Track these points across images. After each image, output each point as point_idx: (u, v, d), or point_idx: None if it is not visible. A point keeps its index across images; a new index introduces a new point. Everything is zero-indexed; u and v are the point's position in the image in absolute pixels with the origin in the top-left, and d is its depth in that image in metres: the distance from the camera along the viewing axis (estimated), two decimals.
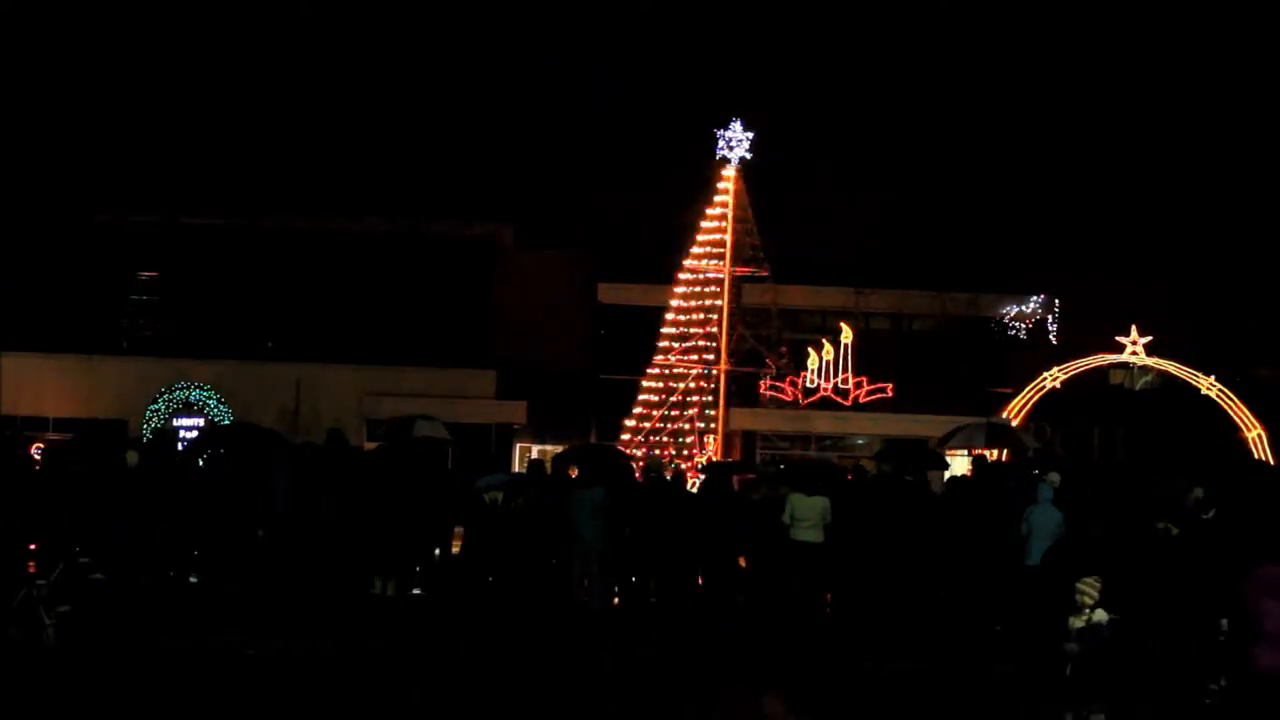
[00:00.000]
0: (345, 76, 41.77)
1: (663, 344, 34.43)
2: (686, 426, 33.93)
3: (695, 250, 34.74)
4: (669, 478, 19.41)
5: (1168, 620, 12.16)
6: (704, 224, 34.71)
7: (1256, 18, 42.05)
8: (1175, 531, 13.17)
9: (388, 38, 43.76)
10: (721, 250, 34.42)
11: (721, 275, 34.30)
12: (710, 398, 34.12)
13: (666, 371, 34.25)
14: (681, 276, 34.77)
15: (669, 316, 34.51)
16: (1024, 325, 38.70)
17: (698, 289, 34.55)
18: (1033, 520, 15.64)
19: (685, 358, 34.14)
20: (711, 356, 34.16)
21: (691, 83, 41.74)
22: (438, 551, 18.31)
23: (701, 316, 34.33)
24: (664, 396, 34.09)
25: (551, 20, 44.86)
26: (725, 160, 34.26)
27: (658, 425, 33.83)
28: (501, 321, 38.67)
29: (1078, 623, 11.85)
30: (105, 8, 40.60)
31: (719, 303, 34.23)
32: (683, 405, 34.08)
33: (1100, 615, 11.77)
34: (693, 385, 34.10)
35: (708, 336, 34.29)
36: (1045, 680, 12.39)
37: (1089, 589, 11.93)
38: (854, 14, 44.53)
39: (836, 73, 42.92)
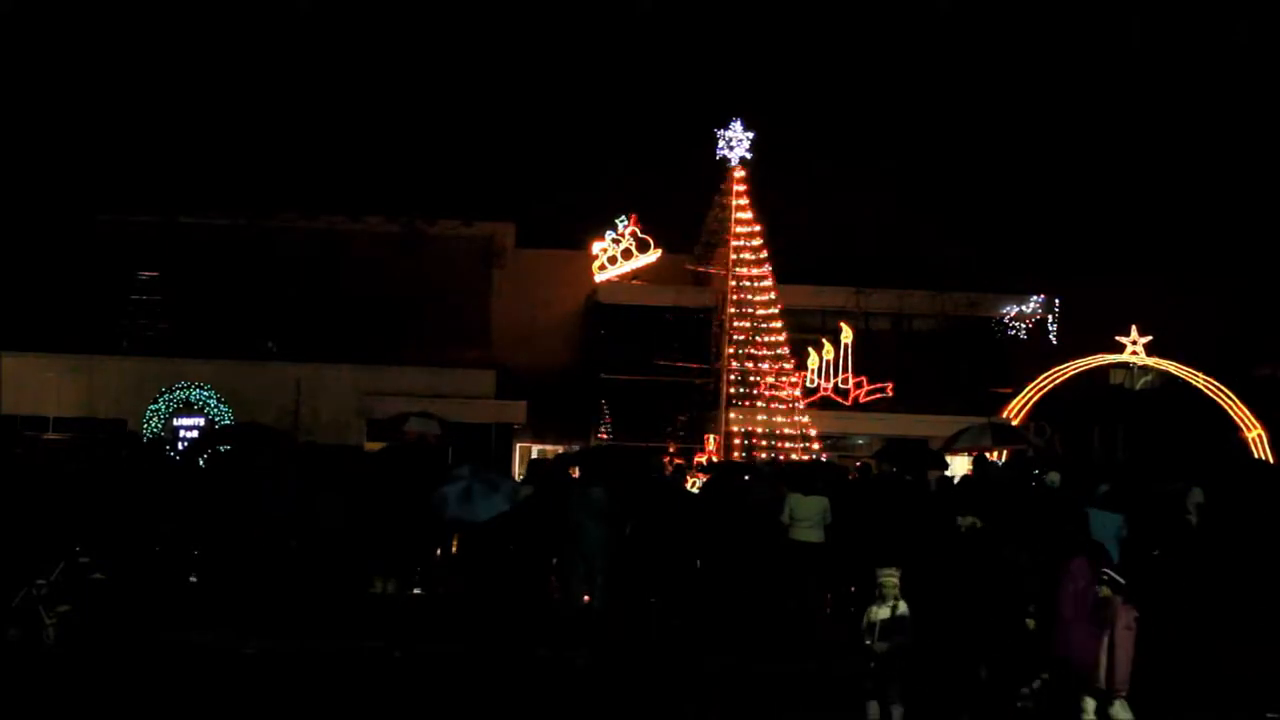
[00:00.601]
0: (345, 76, 41.80)
1: (663, 344, 34.44)
2: (687, 426, 33.96)
3: (696, 250, 34.77)
4: (668, 477, 19.41)
5: (960, 610, 12.19)
6: (705, 224, 34.75)
7: (1256, 18, 42.07)
8: (979, 525, 13.20)
9: (388, 37, 43.81)
10: (722, 250, 34.45)
11: (721, 275, 34.32)
12: (710, 398, 34.14)
13: (666, 372, 34.26)
14: (681, 277, 34.81)
15: (669, 316, 34.52)
16: (1024, 325, 38.71)
17: (699, 289, 34.57)
18: (1092, 524, 15.58)
19: (685, 358, 34.17)
20: (712, 356, 34.19)
21: (691, 83, 41.78)
22: (438, 551, 18.29)
23: (703, 317, 34.36)
24: (664, 396, 34.10)
25: (552, 20, 44.90)
26: (725, 160, 34.29)
27: (658, 425, 33.86)
28: (501, 321, 38.68)
29: (882, 613, 11.84)
30: (105, 8, 40.63)
31: (719, 303, 34.27)
32: (683, 405, 34.11)
33: (903, 607, 11.83)
34: (693, 385, 34.13)
35: (708, 337, 34.33)
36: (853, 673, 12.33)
37: (891, 579, 11.93)
38: (854, 14, 44.56)
39: (836, 73, 42.96)
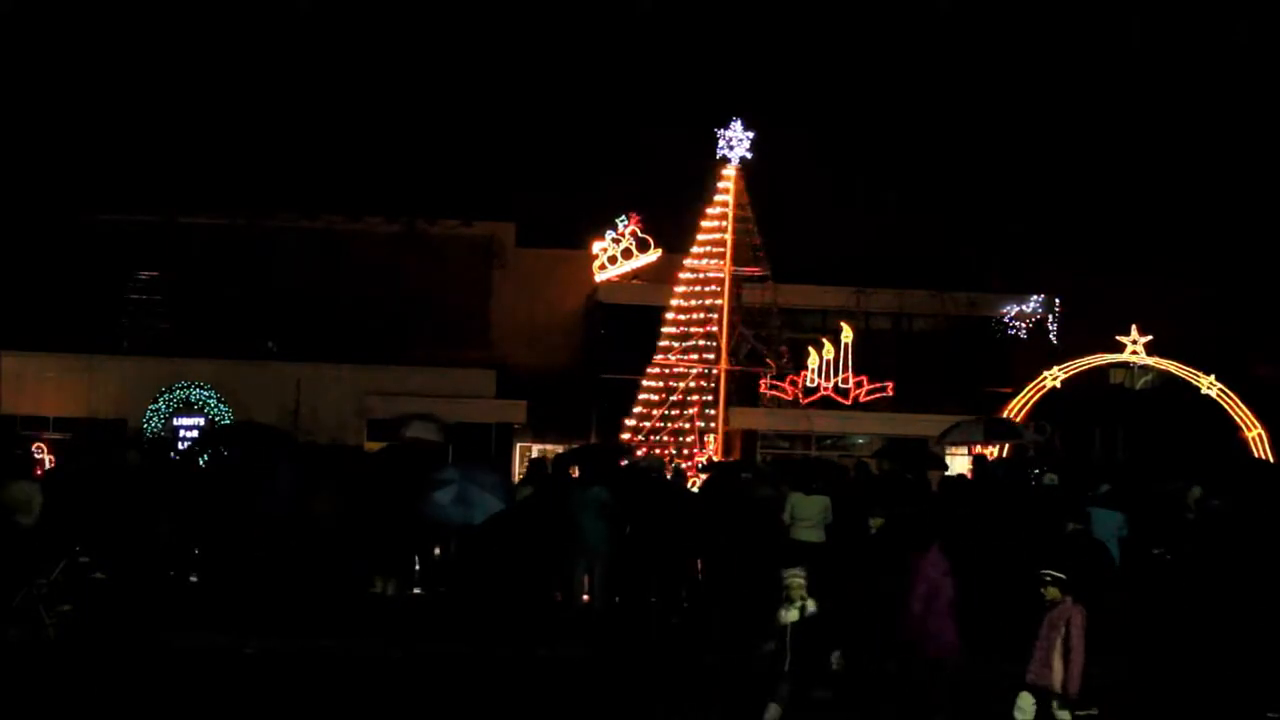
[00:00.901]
0: (345, 76, 41.76)
1: (663, 344, 34.43)
2: (686, 426, 33.93)
3: (695, 250, 34.75)
4: (669, 477, 19.42)
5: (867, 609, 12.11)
6: (704, 224, 34.73)
7: (1256, 18, 42.06)
8: (879, 524, 13.03)
9: (387, 37, 43.77)
10: (722, 250, 34.43)
11: (721, 275, 34.31)
12: (710, 398, 34.12)
13: (666, 371, 34.26)
14: (681, 276, 34.79)
15: (669, 316, 34.52)
16: (1024, 325, 38.70)
17: (698, 289, 34.55)
18: (1095, 521, 15.57)
19: (685, 358, 34.15)
20: (711, 356, 34.17)
21: (691, 83, 41.74)
22: (437, 551, 18.29)
23: (701, 316, 34.34)
24: (664, 396, 34.09)
25: (552, 20, 44.86)
26: (725, 160, 34.26)
27: (658, 425, 33.84)
28: (501, 321, 38.68)
29: (792, 615, 11.66)
30: (105, 8, 40.60)
31: (719, 302, 34.25)
32: (683, 405, 34.09)
33: (811, 606, 11.65)
34: (693, 385, 34.12)
35: (708, 336, 34.30)
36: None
37: (797, 579, 11.78)
38: (854, 14, 44.55)
39: (837, 73, 42.94)
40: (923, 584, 11.94)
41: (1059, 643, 11.04)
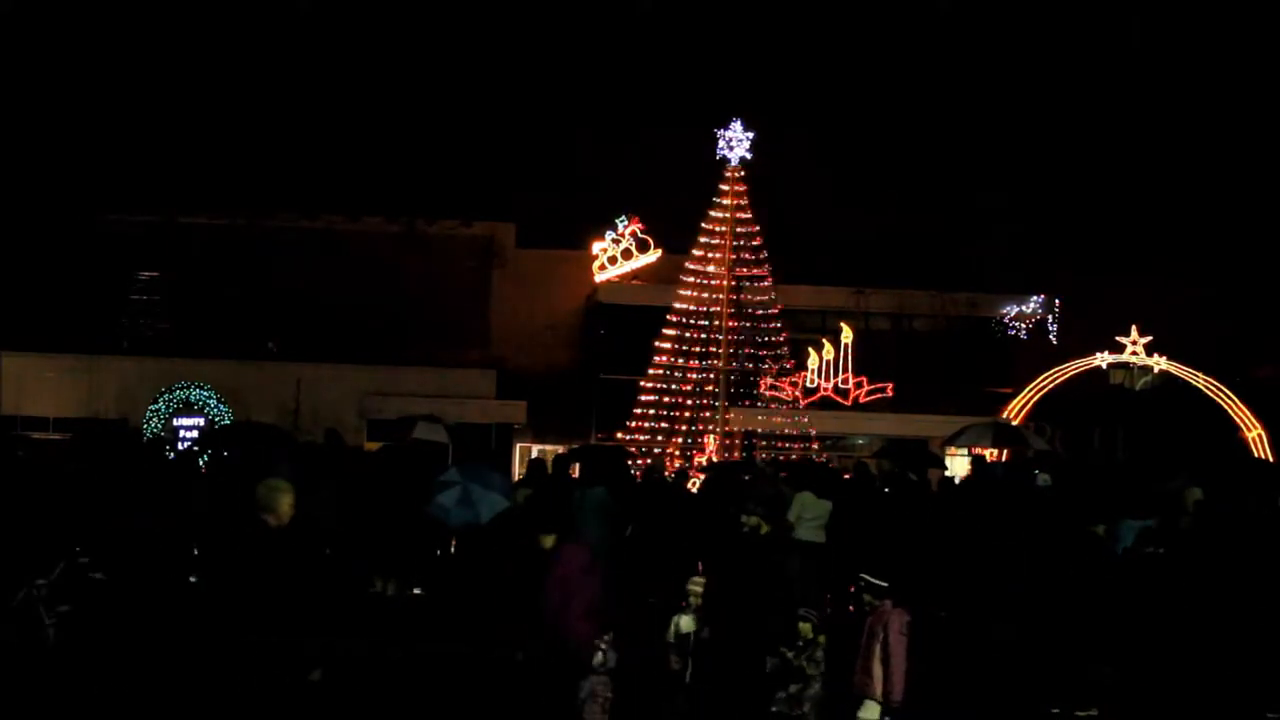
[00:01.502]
0: (345, 76, 41.80)
1: (663, 344, 34.44)
2: (686, 426, 33.94)
3: (696, 250, 34.75)
4: (670, 477, 19.42)
5: (752, 615, 11.78)
6: (704, 224, 34.74)
7: (1256, 18, 42.09)
8: (765, 529, 12.62)
9: (387, 37, 43.80)
10: (722, 250, 34.44)
11: (721, 275, 34.31)
12: (710, 398, 34.12)
13: (666, 371, 34.26)
14: (681, 277, 34.79)
15: (669, 316, 34.52)
16: (1024, 325, 38.71)
17: (698, 289, 34.56)
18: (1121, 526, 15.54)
19: (685, 358, 34.16)
20: (712, 356, 34.18)
21: (691, 83, 41.79)
22: (438, 552, 18.28)
23: (702, 317, 34.35)
24: (664, 396, 34.09)
25: (553, 20, 44.89)
26: (725, 160, 34.27)
27: (658, 425, 33.84)
28: (501, 321, 38.71)
29: (693, 624, 11.42)
30: (105, 8, 40.63)
31: (719, 302, 34.26)
32: (683, 405, 34.10)
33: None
34: (693, 385, 34.11)
35: (708, 336, 34.30)
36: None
37: (699, 587, 11.55)
38: (854, 14, 44.57)
39: (836, 73, 42.98)
40: (560, 575, 11.67)
41: (878, 648, 10.84)
